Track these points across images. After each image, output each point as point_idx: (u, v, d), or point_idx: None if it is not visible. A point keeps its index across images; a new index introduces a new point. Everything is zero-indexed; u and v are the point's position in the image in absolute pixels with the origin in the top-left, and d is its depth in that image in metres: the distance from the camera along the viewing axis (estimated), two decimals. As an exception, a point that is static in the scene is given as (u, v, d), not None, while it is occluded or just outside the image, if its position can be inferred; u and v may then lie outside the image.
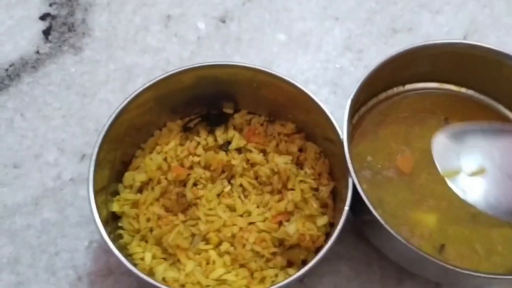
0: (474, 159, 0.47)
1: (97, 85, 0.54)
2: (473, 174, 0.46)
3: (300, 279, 0.39)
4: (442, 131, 0.48)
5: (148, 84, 0.44)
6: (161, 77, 0.44)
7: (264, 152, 0.48)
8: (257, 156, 0.47)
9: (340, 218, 0.40)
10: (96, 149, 0.41)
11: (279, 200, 0.45)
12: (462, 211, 0.45)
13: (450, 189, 0.46)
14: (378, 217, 0.38)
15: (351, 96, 0.43)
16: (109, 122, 0.42)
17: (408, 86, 0.51)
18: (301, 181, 0.45)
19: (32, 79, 0.53)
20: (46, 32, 0.56)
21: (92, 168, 0.40)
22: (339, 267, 0.46)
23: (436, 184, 0.46)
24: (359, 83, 0.44)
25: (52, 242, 0.46)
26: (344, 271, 0.46)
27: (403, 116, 0.50)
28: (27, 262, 0.45)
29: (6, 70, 0.54)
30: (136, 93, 0.44)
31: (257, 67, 0.45)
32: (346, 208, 0.39)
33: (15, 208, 0.47)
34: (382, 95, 0.50)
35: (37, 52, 0.55)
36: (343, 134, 0.41)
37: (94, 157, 0.40)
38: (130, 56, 0.56)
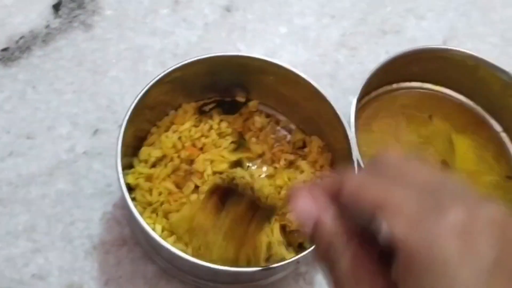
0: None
1: (108, 63, 0.55)
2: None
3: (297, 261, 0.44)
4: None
5: (168, 70, 0.46)
6: (181, 64, 0.46)
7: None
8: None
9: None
10: (123, 127, 0.42)
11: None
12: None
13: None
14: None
15: (357, 96, 0.48)
16: (134, 103, 0.44)
17: (395, 85, 0.56)
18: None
19: (43, 53, 0.54)
20: (56, 7, 0.57)
21: (120, 142, 0.42)
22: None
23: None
24: (362, 84, 0.49)
25: (67, 212, 0.48)
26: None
27: (393, 112, 0.55)
28: (43, 230, 0.47)
29: (17, 42, 0.54)
30: (157, 78, 0.46)
31: (267, 58, 0.48)
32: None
33: (30, 178, 0.48)
34: (373, 94, 0.55)
35: (47, 26, 0.56)
36: (351, 131, 0.46)
37: (121, 135, 0.42)
38: (140, 37, 0.57)
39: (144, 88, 0.45)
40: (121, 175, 0.41)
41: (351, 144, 0.46)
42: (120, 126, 0.43)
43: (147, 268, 0.47)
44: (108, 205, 0.49)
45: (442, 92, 0.58)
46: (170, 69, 0.46)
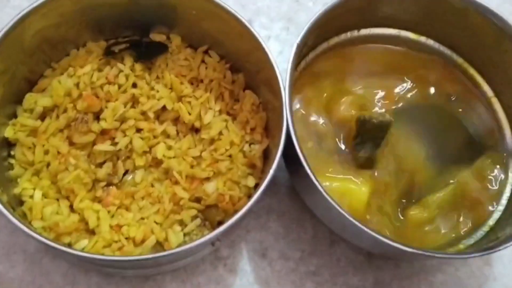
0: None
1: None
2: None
3: (211, 243, 0.35)
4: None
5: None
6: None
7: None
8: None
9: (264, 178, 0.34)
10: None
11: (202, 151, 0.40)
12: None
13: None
14: (313, 178, 0.33)
15: (298, 40, 0.38)
16: (8, 27, 0.35)
17: (364, 31, 0.44)
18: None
19: None
20: None
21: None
22: (268, 223, 0.42)
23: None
24: (308, 24, 0.39)
25: None
26: (273, 227, 0.42)
27: (351, 71, 0.44)
28: None
29: None
30: (30, 8, 0.36)
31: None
32: (274, 165, 0.34)
33: None
34: (334, 40, 0.44)
35: None
36: (286, 82, 0.36)
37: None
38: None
39: (24, 9, 0.35)
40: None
41: (284, 104, 0.36)
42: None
43: (29, 241, 0.39)
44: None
45: (418, 42, 0.45)
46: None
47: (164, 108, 0.40)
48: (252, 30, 0.37)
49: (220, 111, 0.41)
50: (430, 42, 0.45)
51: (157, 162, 0.40)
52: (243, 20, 0.37)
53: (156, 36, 0.42)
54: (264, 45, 0.37)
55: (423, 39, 0.45)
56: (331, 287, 0.41)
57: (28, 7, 0.36)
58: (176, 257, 0.36)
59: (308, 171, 0.33)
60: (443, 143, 0.42)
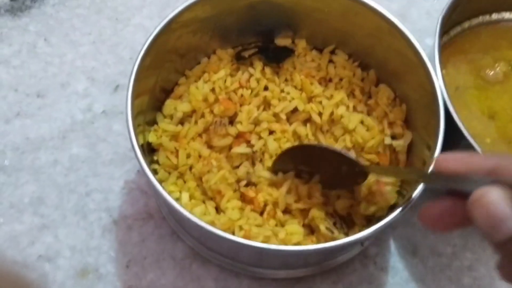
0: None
1: (131, 9, 0.47)
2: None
3: (361, 242, 0.34)
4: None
5: (190, 2, 0.37)
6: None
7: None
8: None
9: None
10: (133, 75, 0.34)
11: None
12: None
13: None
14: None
15: (442, 13, 0.37)
16: (146, 46, 0.36)
17: (496, 16, 0.43)
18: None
19: (57, 1, 0.47)
20: (73, -51, 0.49)
21: (129, 96, 0.34)
22: (413, 219, 0.40)
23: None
24: (446, 7, 0.38)
25: (82, 181, 0.40)
26: (419, 223, 0.40)
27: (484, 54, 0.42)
28: (53, 202, 0.39)
29: (28, -10, 0.47)
30: (176, 12, 0.37)
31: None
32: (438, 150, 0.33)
33: (39, 141, 0.41)
34: (465, 24, 0.43)
35: (63, -29, 0.48)
36: (435, 62, 0.35)
37: (131, 84, 0.34)
38: (168, -22, 0.49)
39: (158, 26, 0.36)
40: (132, 132, 0.33)
41: (437, 90, 0.34)
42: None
43: (177, 247, 0.38)
44: (131, 173, 0.41)
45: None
46: (188, 3, 0.37)
47: (294, 109, 0.40)
48: (396, 22, 0.37)
49: (354, 108, 0.40)
50: None
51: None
52: (387, 15, 0.37)
53: (281, 41, 0.43)
54: (408, 34, 0.36)
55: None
56: (490, 282, 0.38)
57: (160, 24, 0.36)
58: (329, 254, 0.35)
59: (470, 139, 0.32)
60: None
